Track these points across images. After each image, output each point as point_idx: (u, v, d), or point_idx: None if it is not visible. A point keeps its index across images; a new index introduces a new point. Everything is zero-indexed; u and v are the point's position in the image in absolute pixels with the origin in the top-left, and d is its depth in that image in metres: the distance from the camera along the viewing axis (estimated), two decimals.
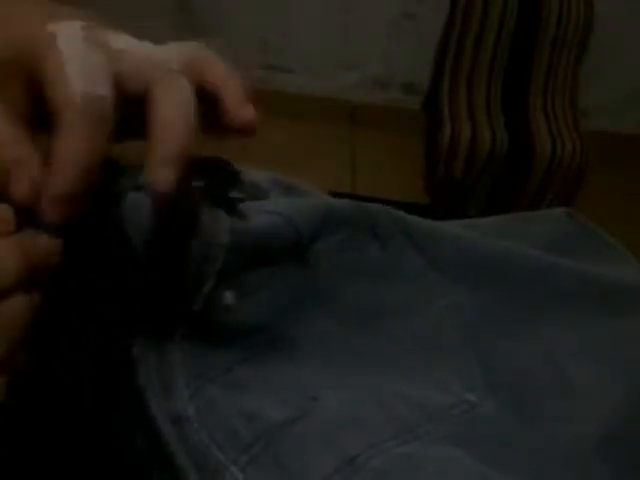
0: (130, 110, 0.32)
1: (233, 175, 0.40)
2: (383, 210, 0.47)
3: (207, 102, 0.34)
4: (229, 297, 0.38)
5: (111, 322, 0.39)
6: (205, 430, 0.36)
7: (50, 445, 0.40)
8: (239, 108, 0.35)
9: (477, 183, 1.64)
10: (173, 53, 0.35)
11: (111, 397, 0.40)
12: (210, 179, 0.38)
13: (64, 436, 0.41)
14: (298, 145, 1.79)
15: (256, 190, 0.42)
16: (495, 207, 1.65)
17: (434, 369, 0.41)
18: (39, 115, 0.32)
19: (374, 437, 0.37)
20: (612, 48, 1.73)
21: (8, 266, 0.29)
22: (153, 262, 0.37)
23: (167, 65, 0.33)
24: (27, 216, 0.30)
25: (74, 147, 0.29)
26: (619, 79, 1.81)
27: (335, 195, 0.72)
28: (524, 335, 0.44)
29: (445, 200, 1.69)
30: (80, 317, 0.40)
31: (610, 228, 0.54)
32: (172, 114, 0.32)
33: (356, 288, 0.43)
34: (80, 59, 0.30)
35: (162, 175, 0.31)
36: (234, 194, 0.40)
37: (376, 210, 0.46)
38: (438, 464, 0.36)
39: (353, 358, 0.41)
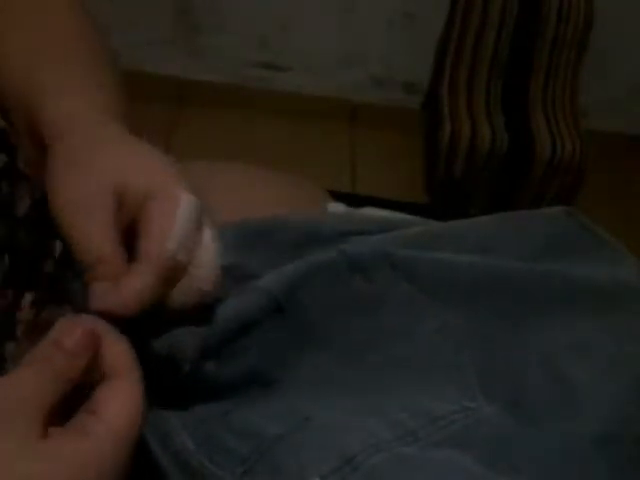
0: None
1: None
2: (362, 246, 0.48)
3: None
4: (211, 365, 0.41)
5: None
6: (205, 455, 0.38)
7: None
8: None
9: (477, 182, 1.64)
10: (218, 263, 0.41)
11: None
12: None
13: None
14: (298, 144, 1.79)
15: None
16: (495, 206, 1.64)
17: (433, 385, 0.42)
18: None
19: (374, 438, 0.37)
20: (612, 48, 1.73)
21: None
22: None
23: (219, 275, 0.40)
24: None
25: (139, 287, 0.36)
26: (619, 79, 1.81)
27: (335, 194, 0.72)
28: (523, 340, 0.44)
29: (445, 200, 1.69)
30: None
31: (610, 228, 0.54)
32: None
33: (347, 321, 0.45)
34: (182, 227, 0.37)
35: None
36: None
37: (352, 249, 0.47)
38: (438, 465, 0.36)
39: (352, 386, 0.42)
